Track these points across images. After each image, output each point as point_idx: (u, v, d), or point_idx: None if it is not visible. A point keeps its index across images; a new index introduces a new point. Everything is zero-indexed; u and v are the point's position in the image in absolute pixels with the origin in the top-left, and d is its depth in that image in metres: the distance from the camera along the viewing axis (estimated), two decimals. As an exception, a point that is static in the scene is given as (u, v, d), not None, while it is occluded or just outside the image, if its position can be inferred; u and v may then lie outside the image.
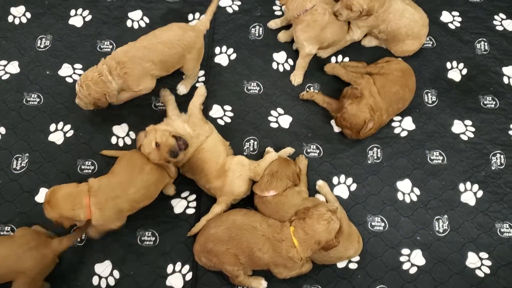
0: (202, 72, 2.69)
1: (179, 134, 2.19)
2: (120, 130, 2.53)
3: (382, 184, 2.51)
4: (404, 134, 2.62)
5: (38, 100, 2.58)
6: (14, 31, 2.73)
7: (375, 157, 2.56)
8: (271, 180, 2.30)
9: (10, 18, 2.76)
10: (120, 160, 2.21)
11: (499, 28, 2.90)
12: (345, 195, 2.48)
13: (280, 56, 2.77)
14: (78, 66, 2.67)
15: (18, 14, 2.77)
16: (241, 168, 2.30)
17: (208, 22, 2.52)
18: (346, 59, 2.78)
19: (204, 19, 2.51)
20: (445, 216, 2.45)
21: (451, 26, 2.89)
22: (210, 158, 2.31)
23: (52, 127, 2.53)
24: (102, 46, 2.72)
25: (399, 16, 2.61)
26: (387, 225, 2.43)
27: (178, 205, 2.41)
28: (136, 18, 2.80)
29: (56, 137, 2.51)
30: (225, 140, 2.42)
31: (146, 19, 2.80)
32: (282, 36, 2.81)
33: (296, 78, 2.71)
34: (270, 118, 2.63)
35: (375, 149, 2.57)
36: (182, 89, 2.61)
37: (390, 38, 2.70)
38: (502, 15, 2.93)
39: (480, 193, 2.50)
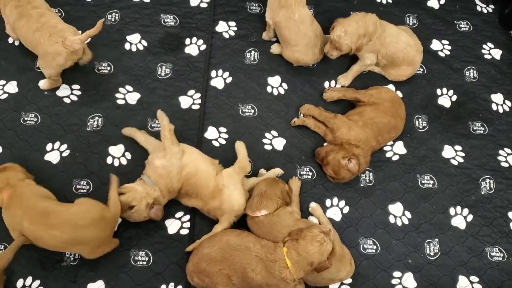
0: (198, 95, 2.74)
1: (153, 199, 2.25)
2: (116, 151, 2.56)
3: (374, 207, 2.54)
4: (395, 158, 2.67)
5: (35, 119, 2.60)
6: (13, 52, 2.77)
7: (368, 180, 2.60)
8: (261, 200, 2.32)
9: (10, 39, 2.79)
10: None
11: (487, 56, 2.99)
12: (337, 217, 2.51)
13: (274, 80, 2.83)
14: (75, 86, 2.70)
15: (18, 35, 2.82)
16: (231, 179, 2.33)
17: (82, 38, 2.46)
18: (336, 84, 2.85)
19: (80, 37, 2.46)
20: (436, 239, 2.49)
21: (441, 54, 2.98)
22: (200, 181, 2.32)
23: (49, 146, 2.55)
24: (100, 68, 2.76)
25: (396, 39, 2.68)
26: (379, 248, 2.45)
27: (172, 226, 2.42)
28: (134, 41, 2.86)
29: (52, 157, 2.53)
30: (213, 159, 2.44)
31: (144, 43, 2.86)
32: (276, 49, 2.88)
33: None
34: (264, 141, 2.67)
35: (367, 172, 2.62)
36: (41, 83, 2.69)
37: (389, 62, 2.77)
38: (490, 44, 3.03)
39: (470, 217, 2.54)
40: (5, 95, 2.65)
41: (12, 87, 2.68)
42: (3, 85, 2.68)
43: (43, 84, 2.67)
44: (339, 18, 2.64)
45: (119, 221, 2.36)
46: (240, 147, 2.51)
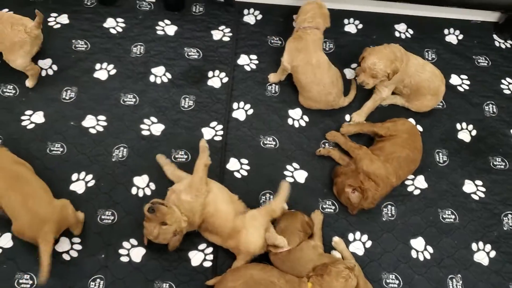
0: (220, 127, 2.78)
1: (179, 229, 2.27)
2: (141, 181, 2.59)
3: (396, 242, 2.55)
4: (417, 192, 2.68)
5: (61, 149, 2.64)
6: (40, 82, 2.83)
7: (389, 215, 2.61)
8: (282, 235, 2.33)
9: (38, 70, 2.87)
10: None
11: (507, 91, 3.03)
12: (360, 252, 2.51)
13: (295, 113, 2.87)
14: (101, 117, 2.75)
15: (45, 66, 2.88)
16: (254, 221, 2.34)
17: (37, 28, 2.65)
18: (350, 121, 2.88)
19: (34, 24, 2.64)
20: (459, 275, 2.48)
21: (460, 89, 3.02)
22: (218, 221, 2.34)
23: (74, 176, 2.58)
24: (125, 99, 2.81)
25: (421, 69, 2.73)
26: (402, 283, 2.45)
27: (195, 258, 2.44)
28: (159, 73, 2.91)
29: (78, 187, 2.56)
30: (233, 194, 2.46)
31: (168, 75, 2.92)
32: (273, 78, 2.95)
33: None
34: (286, 173, 2.69)
35: (389, 206, 2.63)
36: (27, 82, 2.80)
37: (413, 92, 2.80)
38: (509, 79, 3.07)
39: (493, 253, 2.54)
40: (32, 125, 2.70)
41: (39, 117, 2.73)
42: (30, 115, 2.73)
43: (28, 82, 2.79)
44: (368, 48, 2.69)
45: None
46: (283, 188, 2.46)
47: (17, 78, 2.81)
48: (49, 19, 3.04)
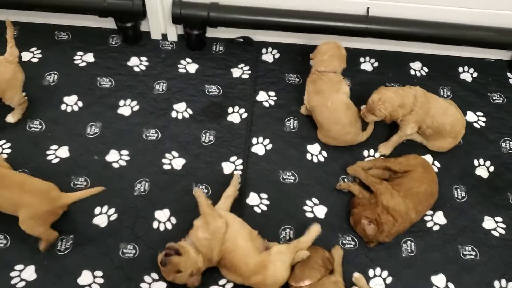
0: (240, 161, 2.83)
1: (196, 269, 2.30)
2: (162, 215, 2.63)
3: (416, 278, 2.54)
4: (436, 228, 2.68)
5: (85, 183, 2.70)
6: (66, 118, 2.91)
7: (409, 250, 2.61)
8: (302, 269, 2.34)
9: (63, 106, 2.95)
10: None
11: (523, 128, 3.06)
12: (381, 288, 2.51)
13: (314, 148, 2.92)
14: (124, 152, 2.82)
15: (71, 102, 2.97)
16: (281, 256, 2.34)
17: (14, 49, 2.67)
18: (376, 153, 2.93)
19: (10, 49, 2.66)
20: (482, 313, 2.46)
21: (477, 125, 3.06)
22: (237, 259, 2.34)
23: (97, 210, 2.63)
24: (148, 134, 2.88)
25: (444, 111, 2.77)
26: (424, 320, 2.44)
27: (217, 293, 2.45)
28: (180, 109, 2.99)
29: (100, 220, 2.60)
30: (253, 230, 2.48)
31: (190, 111, 2.99)
32: (303, 110, 3.02)
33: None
34: (305, 208, 2.72)
35: (408, 242, 2.63)
36: (10, 118, 2.83)
37: (435, 133, 2.83)
38: (525, 117, 3.11)
39: (515, 291, 2.52)
40: (57, 160, 2.77)
41: (64, 151, 2.80)
42: (55, 150, 2.80)
43: (12, 117, 2.84)
44: (383, 87, 2.77)
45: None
46: (313, 230, 2.49)
47: (43, 114, 2.90)
48: (75, 58, 3.16)
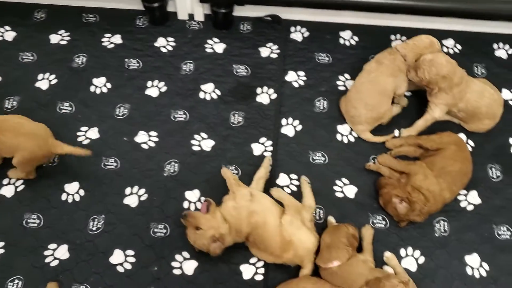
0: (269, 142, 2.80)
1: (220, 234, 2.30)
2: (192, 195, 2.63)
3: (450, 258, 2.49)
4: (470, 208, 2.63)
5: (115, 164, 2.72)
6: (95, 100, 2.93)
7: (442, 230, 2.56)
8: (329, 251, 2.32)
9: (92, 88, 2.97)
10: None
11: (560, 105, 2.95)
12: (413, 267, 2.47)
13: (344, 128, 2.88)
14: (153, 133, 2.82)
15: (100, 84, 2.99)
16: (292, 226, 2.35)
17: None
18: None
19: None
20: (517, 293, 2.41)
21: (511, 103, 2.96)
22: (267, 234, 2.34)
23: (128, 190, 2.65)
24: (176, 116, 2.88)
25: (479, 96, 2.69)
26: (457, 301, 2.40)
27: (247, 271, 2.44)
28: (208, 90, 2.98)
29: (131, 200, 2.62)
30: (283, 208, 2.46)
31: (218, 92, 2.97)
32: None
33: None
34: (335, 188, 2.69)
35: (442, 222, 2.58)
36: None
37: (469, 116, 2.77)
38: (563, 93, 3.00)
39: (552, 271, 2.45)
40: (88, 141, 2.79)
41: (93, 133, 2.82)
42: (85, 131, 2.82)
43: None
44: (442, 52, 2.72)
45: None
46: (275, 193, 2.54)
47: (73, 96, 2.92)
48: (103, 40, 3.16)
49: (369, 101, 2.73)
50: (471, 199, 2.65)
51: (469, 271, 2.47)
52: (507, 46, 3.21)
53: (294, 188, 2.68)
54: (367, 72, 2.79)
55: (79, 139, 2.79)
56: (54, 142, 2.52)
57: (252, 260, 2.47)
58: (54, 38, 3.16)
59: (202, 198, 2.58)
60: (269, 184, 2.65)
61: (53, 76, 2.99)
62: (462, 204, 2.63)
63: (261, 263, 2.47)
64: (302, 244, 2.34)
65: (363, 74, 2.80)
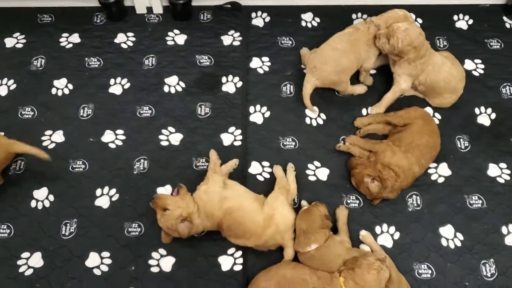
0: (239, 131, 2.78)
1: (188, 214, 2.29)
2: (164, 191, 2.60)
3: (425, 231, 2.53)
4: (441, 180, 2.66)
5: (83, 166, 2.67)
6: (57, 102, 2.86)
7: (415, 204, 2.59)
8: (306, 235, 2.32)
9: (53, 91, 2.90)
10: None
11: (522, 72, 3.00)
12: (389, 244, 2.49)
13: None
14: (119, 132, 2.77)
15: (61, 86, 2.92)
16: (277, 200, 2.40)
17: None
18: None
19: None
20: (491, 260, 2.45)
21: (475, 73, 3.00)
22: (245, 216, 2.34)
23: (98, 192, 2.60)
24: (141, 112, 2.84)
25: (438, 68, 2.70)
26: (435, 272, 2.43)
27: (225, 263, 2.43)
28: (172, 83, 2.93)
29: (102, 202, 2.58)
30: (258, 194, 2.47)
31: (182, 84, 2.93)
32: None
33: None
34: (307, 172, 2.69)
35: (414, 196, 2.61)
36: None
37: (429, 90, 2.79)
38: (523, 60, 3.04)
39: (524, 235, 2.51)
40: (53, 145, 2.73)
41: (58, 136, 2.76)
42: (50, 135, 2.76)
43: None
44: (413, 21, 2.77)
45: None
46: (277, 171, 2.60)
47: (34, 100, 2.85)
48: (60, 40, 3.08)
49: (342, 61, 2.72)
50: (441, 172, 2.68)
51: (444, 242, 2.50)
52: (467, 17, 3.24)
53: (267, 176, 2.67)
54: (348, 34, 2.76)
55: (44, 143, 2.72)
56: (9, 141, 2.47)
57: (230, 251, 2.46)
58: (9, 42, 3.07)
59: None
60: (241, 173, 2.64)
61: (11, 81, 2.91)
62: (433, 177, 2.66)
63: (239, 253, 2.46)
64: (284, 219, 2.35)
65: (344, 36, 2.77)
